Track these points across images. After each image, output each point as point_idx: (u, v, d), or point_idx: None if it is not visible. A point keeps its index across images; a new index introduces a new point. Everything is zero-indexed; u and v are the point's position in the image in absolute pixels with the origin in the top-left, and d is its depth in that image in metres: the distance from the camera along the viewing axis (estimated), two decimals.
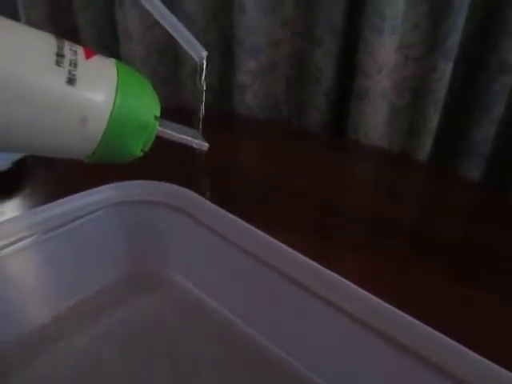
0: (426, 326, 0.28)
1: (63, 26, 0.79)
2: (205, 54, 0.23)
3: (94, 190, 0.38)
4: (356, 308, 0.29)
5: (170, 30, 0.22)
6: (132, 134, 0.21)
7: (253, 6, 0.68)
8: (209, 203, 0.36)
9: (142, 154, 0.22)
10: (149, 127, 0.22)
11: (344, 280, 0.31)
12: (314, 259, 0.32)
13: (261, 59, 0.73)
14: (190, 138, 0.23)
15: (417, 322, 0.28)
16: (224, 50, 0.75)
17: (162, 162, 0.43)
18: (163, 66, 0.79)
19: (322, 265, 0.32)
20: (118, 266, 0.40)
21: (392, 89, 0.69)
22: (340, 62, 0.71)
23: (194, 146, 0.24)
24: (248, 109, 0.76)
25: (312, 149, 0.69)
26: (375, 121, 0.70)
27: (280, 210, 0.53)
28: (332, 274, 0.31)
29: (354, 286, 0.30)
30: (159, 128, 0.22)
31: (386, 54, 0.65)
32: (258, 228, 0.35)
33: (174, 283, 0.40)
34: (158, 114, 0.22)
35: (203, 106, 0.23)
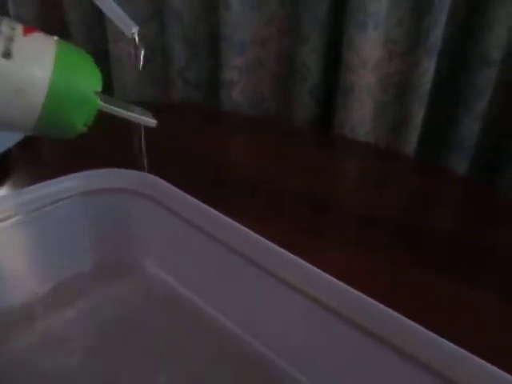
0: (418, 325, 0.26)
1: (53, 24, 0.80)
2: (136, 29, 0.23)
3: (63, 178, 0.38)
4: (341, 304, 0.28)
5: (101, 5, 0.23)
6: (72, 108, 0.22)
7: (238, 2, 0.69)
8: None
9: (85, 129, 0.23)
10: (89, 102, 0.22)
11: (325, 274, 0.29)
12: (300, 254, 0.31)
13: (247, 55, 0.74)
14: (135, 115, 0.24)
15: (406, 319, 0.27)
16: (211, 46, 0.76)
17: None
18: (152, 64, 0.79)
19: (310, 260, 0.30)
20: (89, 254, 0.40)
21: (377, 84, 0.69)
22: (326, 59, 0.71)
23: (141, 122, 0.24)
24: (235, 105, 0.76)
25: (300, 145, 0.69)
26: (361, 115, 0.70)
27: (268, 205, 0.53)
28: (313, 267, 0.30)
29: (338, 282, 0.29)
30: (102, 103, 0.23)
31: (370, 50, 0.66)
32: (246, 223, 0.33)
33: (145, 272, 0.40)
34: (99, 90, 0.23)
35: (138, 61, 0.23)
